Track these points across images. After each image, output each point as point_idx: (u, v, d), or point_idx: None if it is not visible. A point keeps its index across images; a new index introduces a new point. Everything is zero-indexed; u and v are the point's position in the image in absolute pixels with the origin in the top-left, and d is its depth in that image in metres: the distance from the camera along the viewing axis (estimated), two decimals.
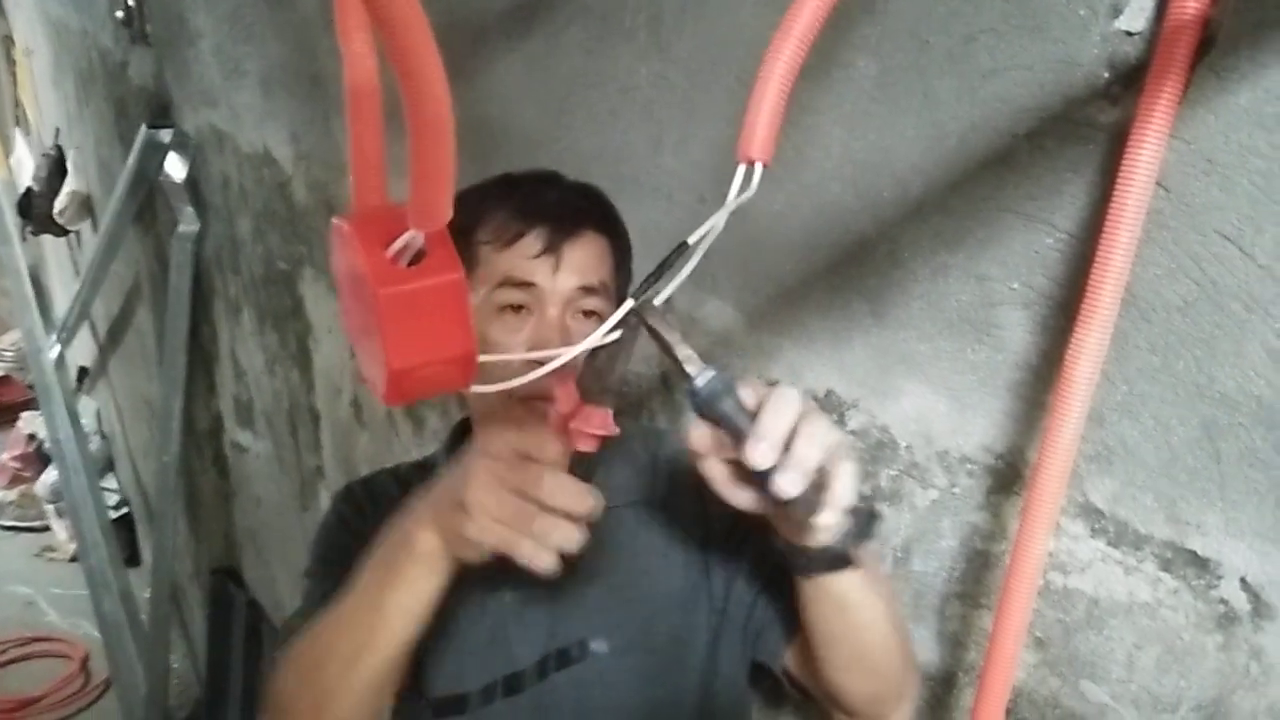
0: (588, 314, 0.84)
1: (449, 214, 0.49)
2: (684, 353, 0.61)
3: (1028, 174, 0.70)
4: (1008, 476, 0.76)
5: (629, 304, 0.61)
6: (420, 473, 1.00)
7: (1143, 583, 0.69)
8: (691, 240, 0.59)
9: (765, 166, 0.60)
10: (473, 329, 0.54)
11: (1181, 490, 0.66)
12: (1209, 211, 0.61)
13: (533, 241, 0.82)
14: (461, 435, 1.00)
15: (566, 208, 0.84)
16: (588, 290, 0.84)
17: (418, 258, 0.52)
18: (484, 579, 0.87)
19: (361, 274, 0.51)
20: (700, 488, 0.87)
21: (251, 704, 2.79)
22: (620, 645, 0.89)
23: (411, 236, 0.51)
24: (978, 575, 0.80)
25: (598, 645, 0.89)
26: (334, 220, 0.55)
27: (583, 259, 0.84)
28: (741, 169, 0.58)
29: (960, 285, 0.76)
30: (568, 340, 0.81)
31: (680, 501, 0.92)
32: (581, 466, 0.66)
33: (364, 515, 0.96)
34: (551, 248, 0.82)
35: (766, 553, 0.89)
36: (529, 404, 0.82)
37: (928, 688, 0.87)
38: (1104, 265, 0.63)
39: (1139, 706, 0.71)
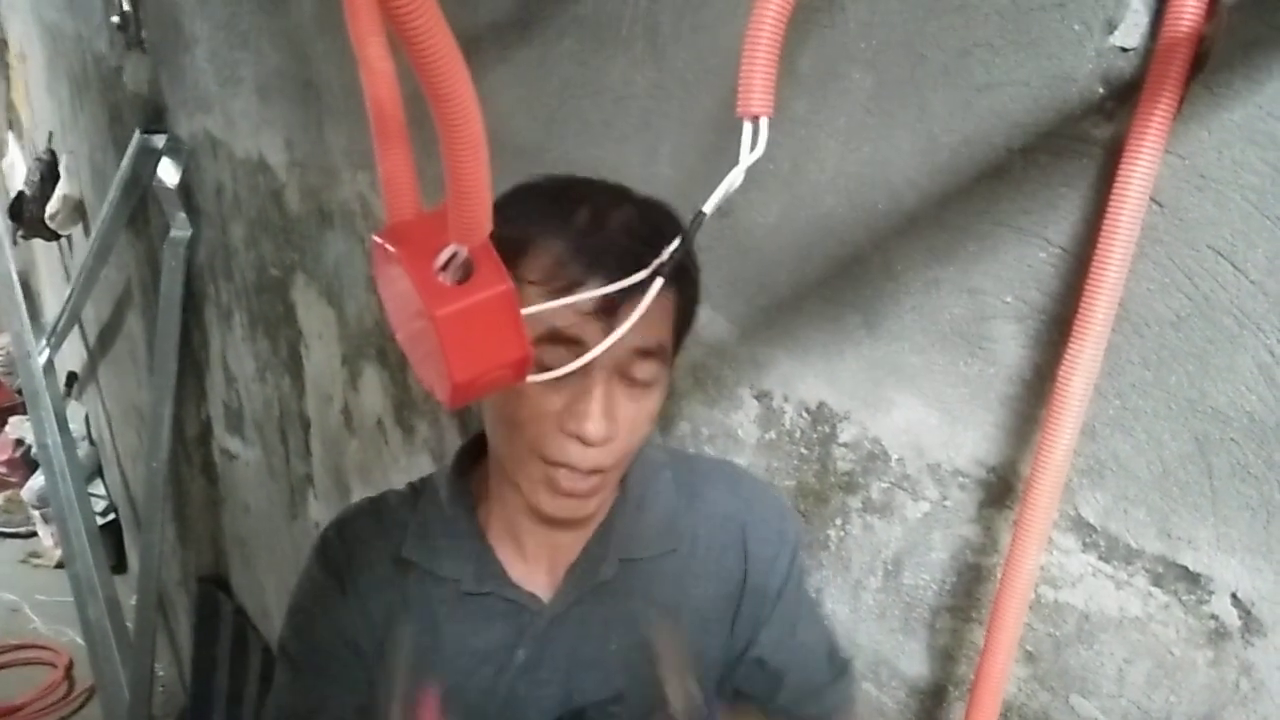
0: (639, 384, 0.75)
1: (489, 226, 0.51)
2: None
3: (1022, 188, 0.70)
4: (999, 490, 0.76)
5: (656, 283, 0.61)
6: (410, 501, 0.92)
7: (1134, 597, 0.69)
8: (707, 208, 0.59)
9: (769, 118, 0.59)
10: (525, 332, 0.55)
11: (1173, 505, 0.66)
12: (1202, 227, 0.61)
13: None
14: (470, 461, 0.91)
15: (633, 254, 0.68)
16: (644, 354, 0.73)
17: (464, 266, 0.53)
18: (497, 637, 0.86)
19: (412, 293, 0.52)
20: (745, 541, 0.87)
21: (236, 713, 2.77)
22: (642, 709, 0.83)
23: (455, 250, 0.52)
24: (968, 588, 0.80)
25: (617, 709, 0.85)
26: (375, 237, 0.56)
27: (643, 317, 0.68)
28: (747, 127, 0.58)
29: (953, 298, 0.76)
30: (611, 420, 0.73)
31: (718, 553, 0.87)
32: None
33: (339, 580, 0.89)
34: (609, 308, 0.69)
35: (784, 634, 0.87)
36: (554, 468, 0.76)
37: (917, 701, 0.87)
38: (1098, 280, 0.63)
39: None
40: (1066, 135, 0.67)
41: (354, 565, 0.90)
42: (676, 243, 0.61)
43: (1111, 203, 0.62)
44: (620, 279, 0.65)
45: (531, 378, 0.59)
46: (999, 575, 0.78)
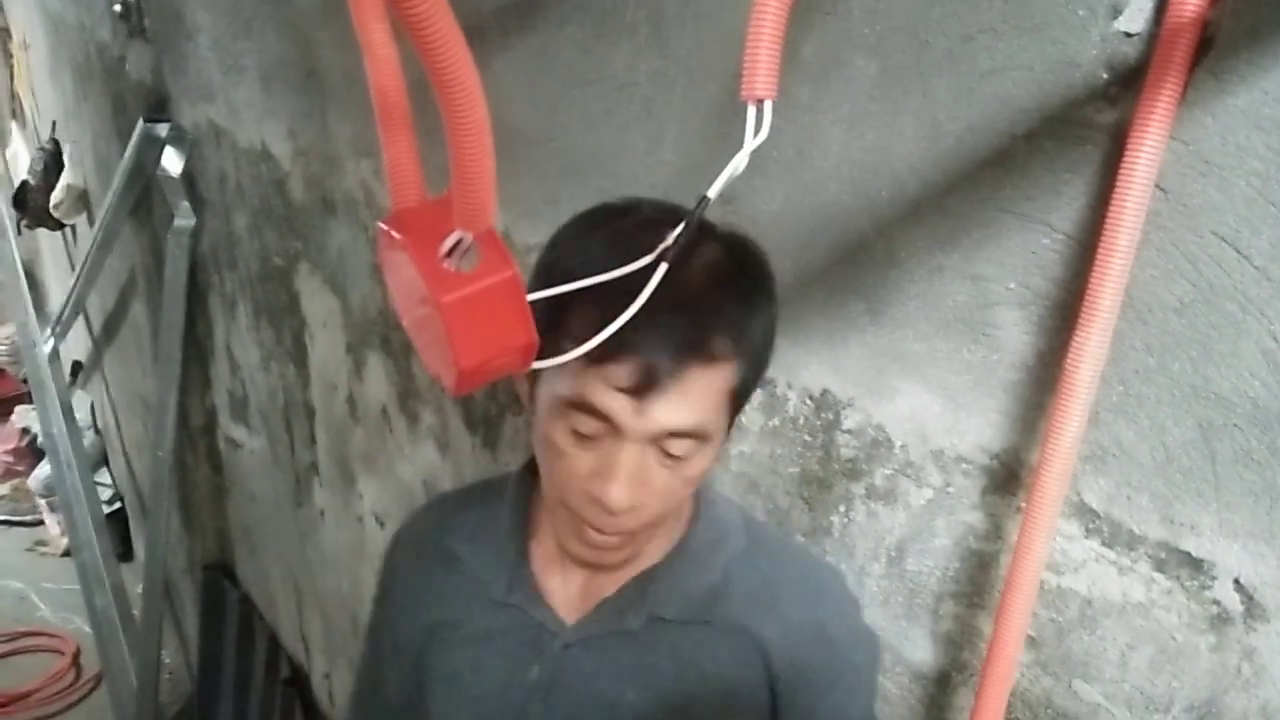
0: (676, 457, 0.70)
1: (494, 212, 0.51)
2: None
3: (1025, 174, 0.70)
4: (1003, 476, 0.76)
5: (662, 266, 0.61)
6: (469, 502, 0.96)
7: (1136, 583, 0.69)
8: (710, 192, 0.59)
9: (773, 102, 0.59)
10: (531, 319, 0.56)
11: (1176, 491, 0.66)
12: (1206, 213, 0.61)
13: (623, 372, 0.65)
14: (535, 471, 0.88)
15: (681, 330, 0.64)
16: (680, 435, 0.69)
17: (469, 253, 0.53)
18: (513, 649, 0.86)
19: (418, 280, 0.53)
20: (781, 621, 0.82)
21: (243, 700, 2.78)
22: None
23: (460, 236, 0.52)
24: (972, 575, 0.81)
25: None
26: (380, 224, 0.57)
27: (682, 399, 0.67)
28: (751, 110, 0.58)
29: (956, 285, 0.76)
30: (639, 488, 0.70)
31: (753, 634, 0.82)
32: None
33: (393, 565, 0.98)
34: (642, 389, 0.65)
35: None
36: (581, 521, 0.74)
37: (920, 687, 0.87)
38: (1104, 267, 0.63)
39: (1131, 706, 0.71)
40: (1070, 121, 0.66)
41: (409, 550, 0.97)
42: (680, 228, 0.61)
43: (1116, 189, 0.62)
44: (662, 356, 0.63)
45: (537, 363, 0.59)
46: (1003, 562, 0.78)
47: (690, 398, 0.67)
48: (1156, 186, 0.62)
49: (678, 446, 0.70)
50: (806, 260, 0.88)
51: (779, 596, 0.84)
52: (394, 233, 0.54)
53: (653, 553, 0.85)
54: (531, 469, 0.90)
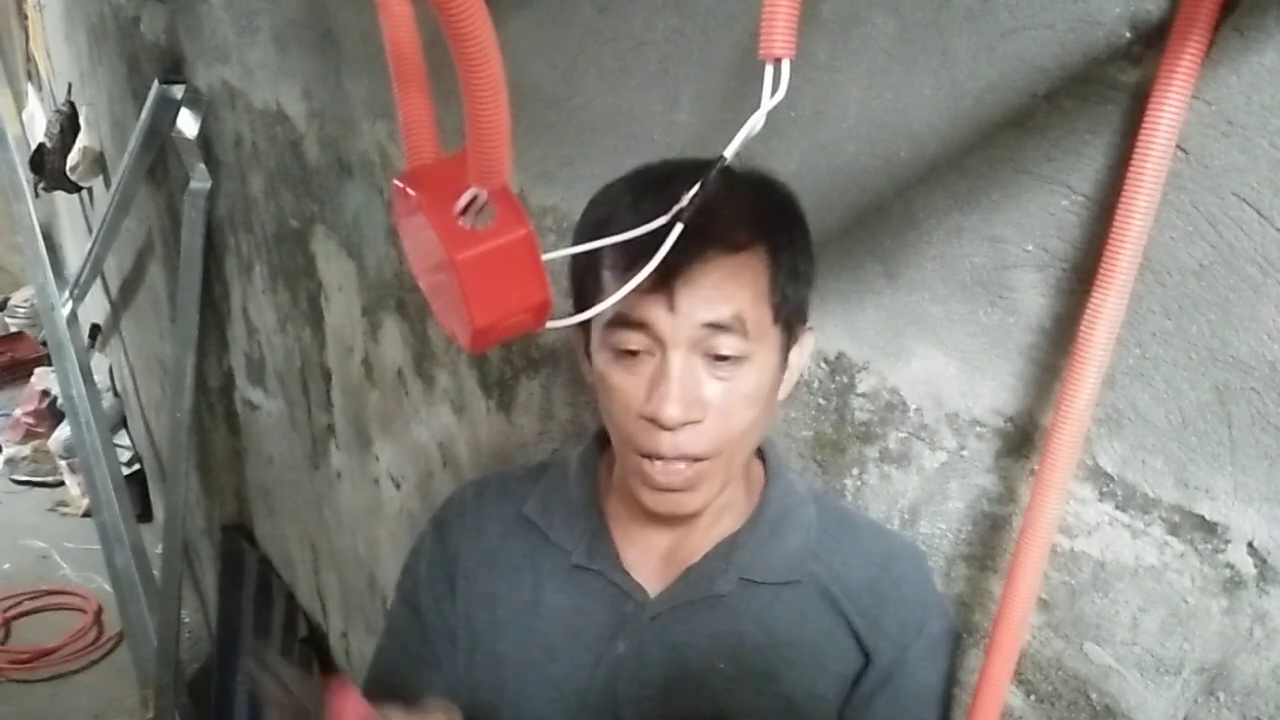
0: (724, 360, 0.71)
1: (509, 168, 0.51)
2: None
3: (1045, 135, 0.69)
4: (1017, 440, 0.76)
5: (676, 228, 0.61)
6: (539, 472, 0.94)
7: (1149, 546, 0.69)
8: (728, 152, 0.59)
9: (791, 61, 0.59)
10: (546, 278, 0.56)
11: (1191, 454, 0.66)
12: (1228, 174, 0.60)
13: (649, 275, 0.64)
14: (603, 442, 0.90)
15: (693, 222, 0.64)
16: (717, 327, 0.70)
17: (484, 210, 0.53)
18: (598, 620, 0.84)
19: (433, 238, 0.53)
20: (859, 582, 0.81)
21: (261, 659, 2.82)
22: None
23: (475, 193, 0.52)
24: (985, 538, 0.81)
25: None
26: (395, 182, 0.57)
27: (711, 289, 0.68)
28: (769, 69, 0.57)
29: (974, 247, 0.76)
30: (691, 402, 0.70)
31: (835, 596, 0.82)
32: None
33: (441, 531, 0.94)
34: (664, 281, 0.66)
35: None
36: (646, 460, 0.74)
37: None
38: (1122, 229, 0.63)
39: (1142, 669, 0.71)
40: (1092, 80, 0.66)
41: (470, 517, 0.93)
42: (695, 188, 0.61)
43: (1137, 150, 0.62)
44: (676, 249, 0.61)
45: (551, 323, 0.59)
46: (1015, 525, 0.78)
47: (722, 289, 0.68)
48: (1178, 147, 0.61)
49: (723, 345, 0.70)
50: (823, 221, 0.87)
51: (857, 560, 0.84)
52: (409, 190, 0.54)
53: (733, 520, 0.85)
54: (593, 448, 0.91)
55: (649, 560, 0.85)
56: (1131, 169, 0.62)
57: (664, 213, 0.62)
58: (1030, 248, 0.72)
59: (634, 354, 0.72)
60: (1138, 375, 0.68)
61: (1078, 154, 0.68)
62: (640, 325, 0.70)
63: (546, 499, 0.90)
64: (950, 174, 0.76)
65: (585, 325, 0.77)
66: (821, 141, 0.85)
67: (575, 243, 0.68)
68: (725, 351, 0.71)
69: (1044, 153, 0.70)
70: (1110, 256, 0.63)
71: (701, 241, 0.67)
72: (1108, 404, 0.69)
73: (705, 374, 0.71)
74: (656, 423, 0.71)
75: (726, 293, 0.69)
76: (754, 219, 0.72)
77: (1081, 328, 0.65)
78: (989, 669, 0.73)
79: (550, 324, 0.60)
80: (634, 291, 0.64)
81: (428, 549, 0.95)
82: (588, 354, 0.79)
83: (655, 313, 0.69)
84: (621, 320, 0.70)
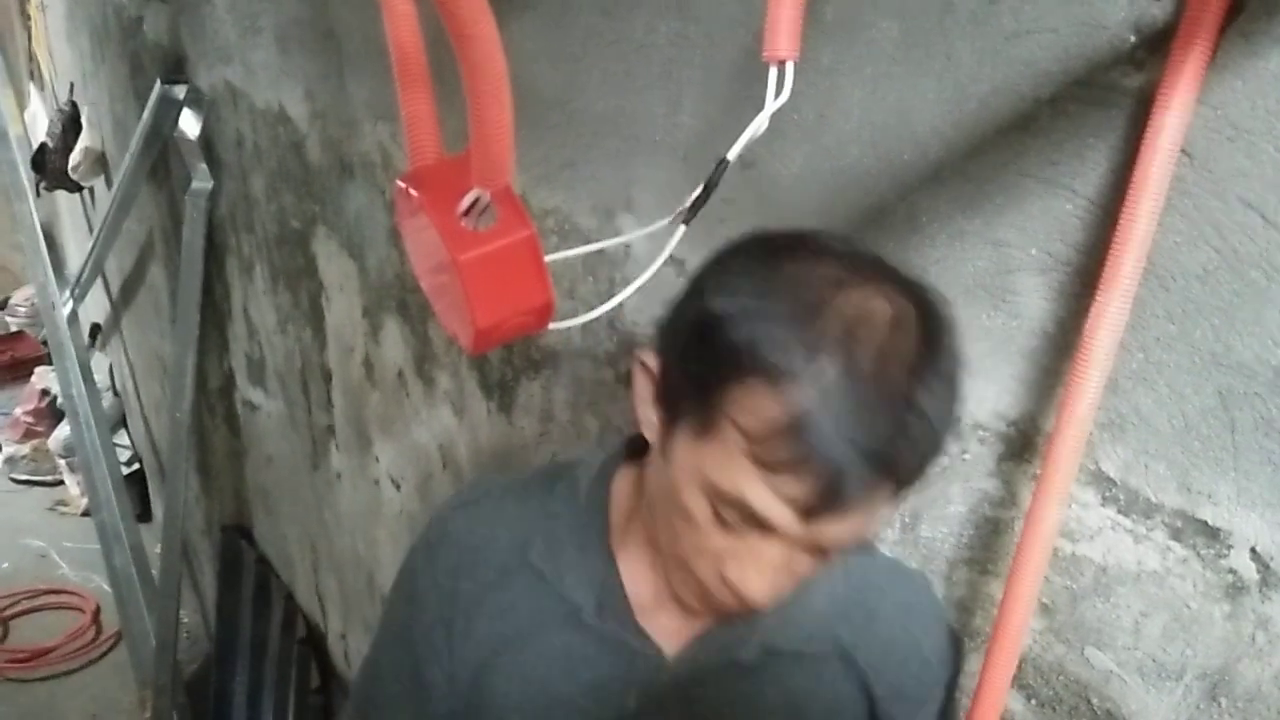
0: (819, 551, 0.64)
1: (512, 170, 0.51)
2: None
3: (1049, 138, 0.69)
4: (1019, 444, 0.76)
5: (681, 227, 0.61)
6: (546, 491, 0.83)
7: (1152, 551, 0.69)
8: (730, 154, 0.59)
9: (794, 63, 0.58)
10: (548, 279, 0.56)
11: (1194, 459, 0.65)
12: (1232, 178, 0.60)
13: (799, 488, 0.57)
14: (617, 464, 0.82)
15: (873, 448, 0.56)
16: (833, 549, 0.64)
17: (487, 211, 0.53)
18: (607, 674, 0.78)
19: (436, 238, 0.53)
20: (879, 642, 0.76)
21: (259, 659, 2.82)
22: None
23: (478, 194, 0.52)
24: (986, 542, 0.81)
25: None
26: (397, 182, 0.56)
27: (859, 517, 0.60)
28: (773, 71, 0.57)
29: (977, 251, 0.76)
30: (782, 584, 0.64)
31: (853, 660, 0.78)
32: None
33: (459, 594, 0.82)
34: (816, 510, 0.58)
35: None
36: (701, 586, 0.68)
37: None
38: (1126, 233, 0.63)
39: (1144, 674, 0.71)
40: (1096, 84, 0.66)
41: (465, 550, 0.83)
42: (699, 190, 0.61)
43: (1141, 154, 0.62)
44: (848, 481, 0.54)
45: (554, 324, 0.59)
46: (1017, 529, 0.78)
47: (867, 514, 0.60)
48: (1182, 151, 0.61)
49: (836, 546, 0.63)
50: (826, 225, 0.87)
51: (876, 616, 0.80)
52: (412, 190, 0.54)
53: None
54: (603, 475, 0.81)
55: (665, 608, 0.78)
56: (1136, 173, 0.62)
57: (833, 432, 0.55)
58: (1034, 251, 0.72)
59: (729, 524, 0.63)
60: (1141, 380, 0.67)
61: (1082, 158, 0.68)
62: (758, 520, 0.60)
63: (553, 542, 0.81)
64: (953, 177, 0.76)
65: (669, 402, 0.66)
66: (825, 145, 0.85)
67: (696, 338, 0.60)
68: (834, 549, 0.64)
69: (1048, 157, 0.70)
70: (1114, 261, 0.63)
71: (873, 471, 0.57)
72: (1111, 408, 0.69)
73: (803, 557, 0.64)
74: (735, 592, 0.65)
75: (869, 516, 0.62)
76: (929, 431, 0.60)
77: (1085, 331, 0.65)
78: (988, 673, 0.73)
79: (553, 325, 0.60)
80: (777, 493, 0.57)
81: (421, 582, 0.86)
82: (666, 427, 0.67)
83: (785, 520, 0.60)
84: (739, 504, 0.60)
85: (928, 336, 0.60)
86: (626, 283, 1.02)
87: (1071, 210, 0.69)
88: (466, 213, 0.52)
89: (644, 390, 0.68)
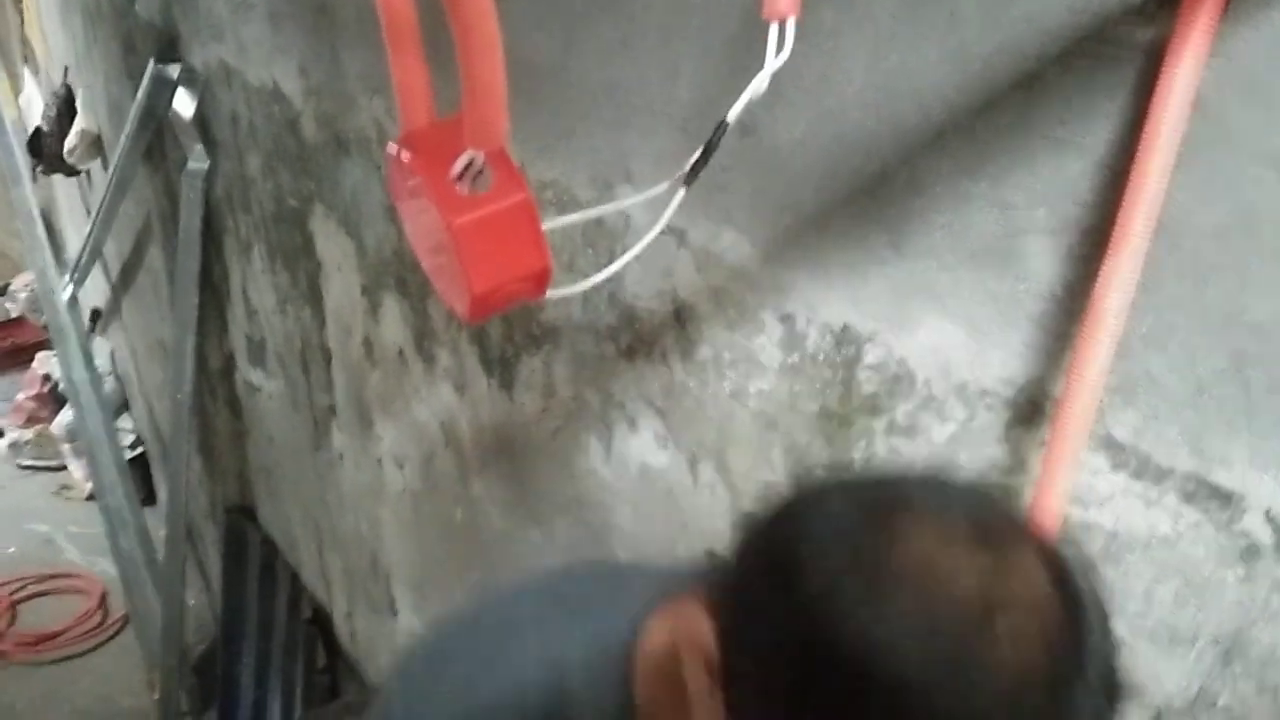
0: None
1: (506, 131, 0.50)
2: None
3: (1057, 97, 0.68)
4: (1027, 410, 0.75)
5: (680, 191, 0.59)
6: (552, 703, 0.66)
7: (1164, 516, 0.68)
8: (730, 116, 0.57)
9: (795, 20, 0.56)
10: (545, 244, 0.54)
11: (1207, 422, 0.64)
12: (1247, 134, 0.58)
13: None
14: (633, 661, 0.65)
15: None
16: None
17: (481, 174, 0.52)
18: None
19: (429, 203, 0.51)
20: None
21: (266, 639, 2.83)
22: None
23: (472, 156, 0.51)
24: None
25: None
26: (389, 146, 0.55)
27: None
28: (773, 29, 0.56)
29: (983, 213, 0.74)
30: None
31: None
32: None
33: None
34: None
35: None
36: None
37: None
38: (1136, 192, 0.61)
39: (1155, 640, 0.70)
40: (1105, 40, 0.64)
41: None
42: (699, 152, 0.60)
43: (1152, 110, 0.60)
44: None
45: (552, 291, 0.58)
46: (1026, 496, 0.77)
47: None
48: (1194, 106, 0.60)
49: None
50: (828, 191, 0.86)
51: None
52: (404, 153, 0.52)
53: None
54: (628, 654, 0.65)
55: None
56: (1146, 129, 0.60)
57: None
58: (1041, 212, 0.71)
59: None
60: (1152, 342, 0.66)
61: (1090, 116, 0.66)
62: None
63: None
64: (958, 139, 0.75)
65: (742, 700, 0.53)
66: (826, 108, 0.84)
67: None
68: None
69: (1055, 115, 0.68)
70: (1124, 220, 0.62)
71: None
72: (1121, 372, 0.68)
73: None
74: None
75: None
76: None
77: (1095, 292, 0.64)
78: None
79: (551, 293, 0.59)
80: None
81: None
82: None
83: None
84: None
85: (1081, 628, 0.48)
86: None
87: (1080, 170, 0.67)
88: (460, 176, 0.51)
89: (693, 663, 0.55)
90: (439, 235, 0.52)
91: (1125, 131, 0.64)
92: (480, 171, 0.51)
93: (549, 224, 0.56)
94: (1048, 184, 0.70)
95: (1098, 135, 0.66)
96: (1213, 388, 0.63)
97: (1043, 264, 0.71)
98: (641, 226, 1.08)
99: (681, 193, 0.58)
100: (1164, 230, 0.63)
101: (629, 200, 0.61)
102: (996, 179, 0.73)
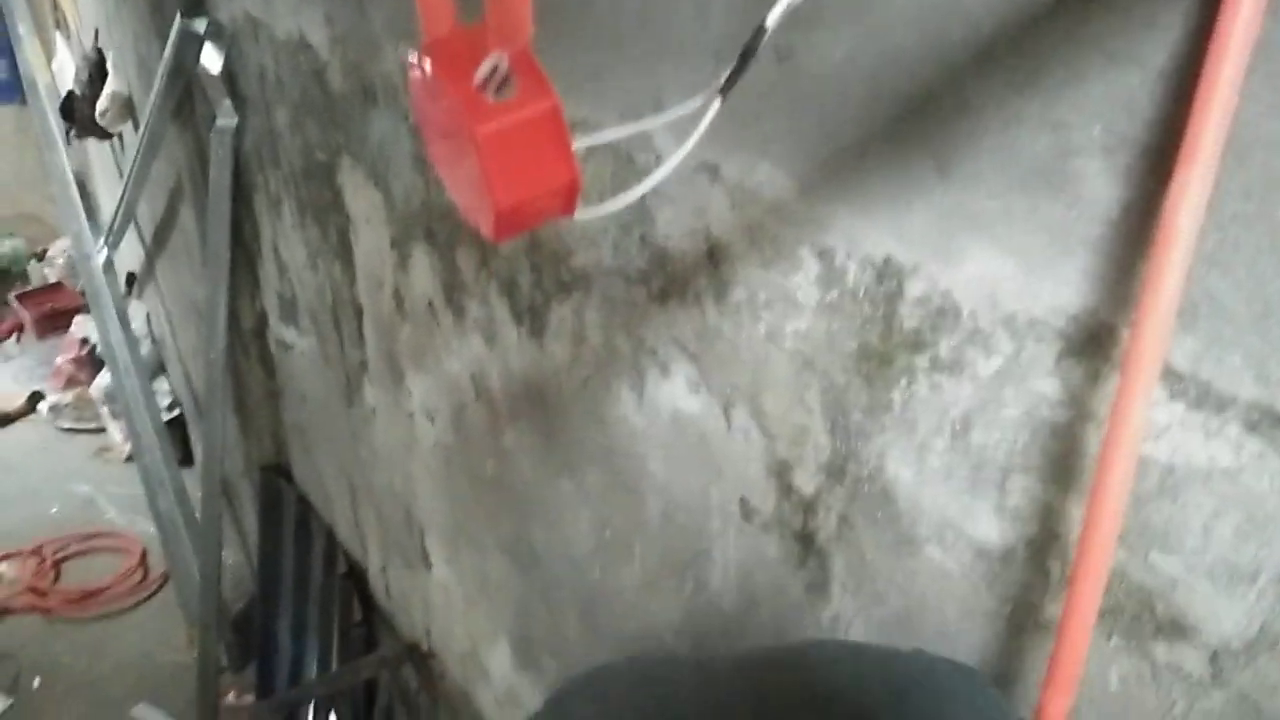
0: None
1: (531, 28, 0.47)
2: None
3: (1114, 7, 0.64)
4: (1080, 340, 0.72)
5: (716, 101, 0.56)
6: None
7: (1224, 447, 0.65)
8: (769, 21, 0.54)
9: None
10: (573, 154, 0.51)
11: (1274, 347, 0.61)
12: None
13: None
14: None
15: None
16: None
17: (506, 81, 0.49)
18: None
19: (452, 112, 0.49)
20: None
21: (302, 595, 2.86)
22: None
23: (497, 59, 0.48)
24: (1044, 446, 0.77)
25: None
26: (409, 55, 0.52)
27: None
28: None
29: (1034, 135, 0.71)
30: None
31: None
32: None
33: None
34: None
35: None
36: None
37: (985, 563, 0.84)
38: (1206, 103, 0.58)
39: (1214, 578, 0.67)
40: None
41: None
42: (736, 61, 0.57)
43: (1222, 12, 0.56)
44: None
45: (581, 212, 0.55)
46: (1077, 432, 0.74)
47: None
48: (1267, 9, 0.56)
49: None
50: (869, 118, 0.82)
51: None
52: (425, 61, 0.50)
53: None
54: None
55: None
56: (1216, 33, 0.56)
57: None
58: (1097, 132, 0.67)
59: None
60: (1215, 263, 0.62)
61: (1151, 25, 0.62)
62: None
63: None
64: (1008, 56, 0.71)
65: None
66: (868, 27, 0.80)
67: None
68: None
69: (1113, 26, 0.64)
70: (1194, 134, 0.58)
71: None
72: (1181, 296, 0.64)
73: None
74: None
75: None
76: None
77: (1164, 213, 0.60)
78: (1075, 588, 0.69)
79: (580, 214, 0.57)
80: None
81: None
82: None
83: None
84: None
85: None
86: (658, 193, 0.98)
87: (1139, 84, 0.64)
88: (484, 84, 0.48)
89: None
90: (463, 147, 0.50)
91: (1189, 41, 0.60)
92: (506, 79, 0.49)
93: (581, 143, 0.54)
94: (1104, 101, 0.66)
95: (1157, 46, 0.62)
96: None
97: (1098, 186, 0.68)
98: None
99: (717, 103, 0.55)
100: (1229, 144, 0.59)
101: (664, 116, 0.58)
102: (1049, 97, 0.69)
